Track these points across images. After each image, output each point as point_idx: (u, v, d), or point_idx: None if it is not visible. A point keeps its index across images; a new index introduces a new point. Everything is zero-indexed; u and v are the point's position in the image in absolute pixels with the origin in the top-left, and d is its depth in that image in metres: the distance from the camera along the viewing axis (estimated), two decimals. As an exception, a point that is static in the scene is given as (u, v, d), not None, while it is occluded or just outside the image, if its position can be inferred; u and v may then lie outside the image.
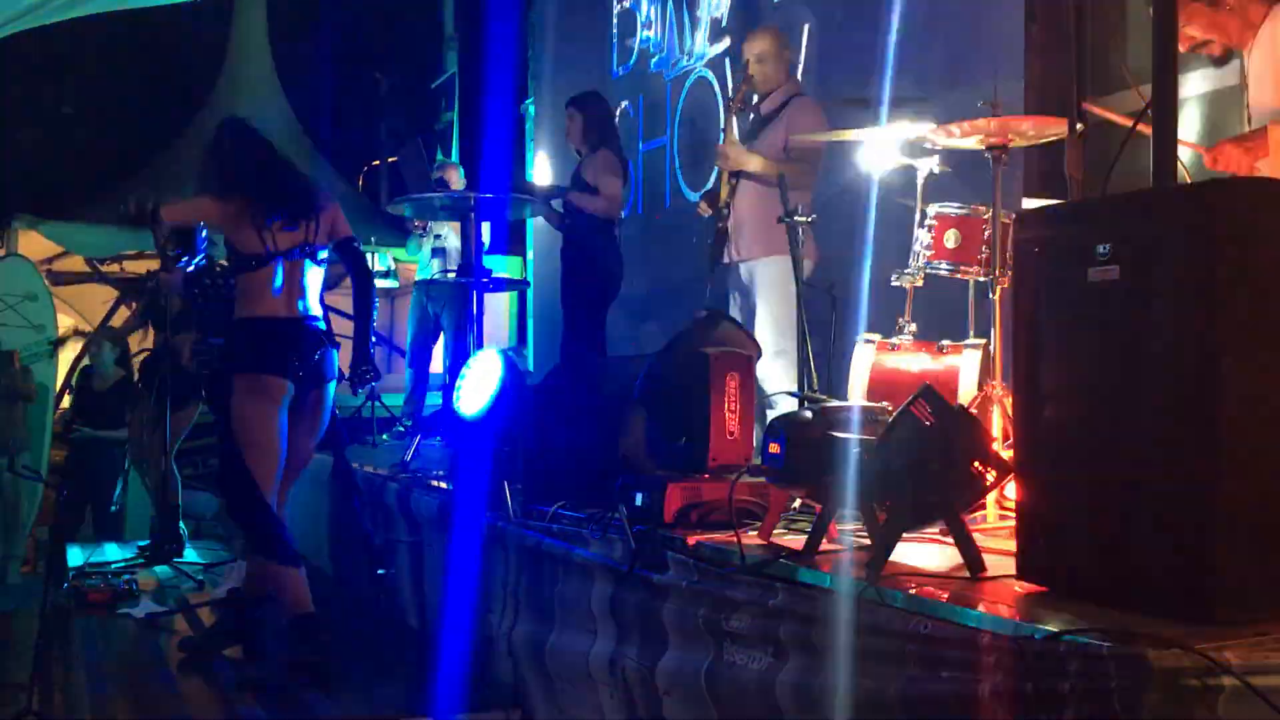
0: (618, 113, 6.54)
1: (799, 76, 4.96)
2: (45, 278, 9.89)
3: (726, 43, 5.68)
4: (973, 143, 3.42)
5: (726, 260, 4.74)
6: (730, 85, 5.69)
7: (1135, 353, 2.05)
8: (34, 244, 10.07)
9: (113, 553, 6.32)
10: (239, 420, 3.72)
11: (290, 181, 3.91)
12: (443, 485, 4.37)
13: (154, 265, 6.42)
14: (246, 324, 3.81)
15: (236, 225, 3.79)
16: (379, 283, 7.52)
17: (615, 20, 5.89)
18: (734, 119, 4.56)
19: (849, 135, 3.96)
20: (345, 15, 13.01)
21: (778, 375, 4.44)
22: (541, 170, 8.48)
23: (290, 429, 3.84)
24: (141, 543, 6.47)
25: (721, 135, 4.55)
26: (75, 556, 6.18)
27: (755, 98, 4.67)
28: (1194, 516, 1.94)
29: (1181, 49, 2.66)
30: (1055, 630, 1.93)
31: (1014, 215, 2.89)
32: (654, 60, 5.83)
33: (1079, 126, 2.75)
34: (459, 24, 10.62)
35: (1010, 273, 3.29)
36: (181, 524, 6.20)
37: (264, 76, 11.35)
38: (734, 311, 4.76)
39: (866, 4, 5.12)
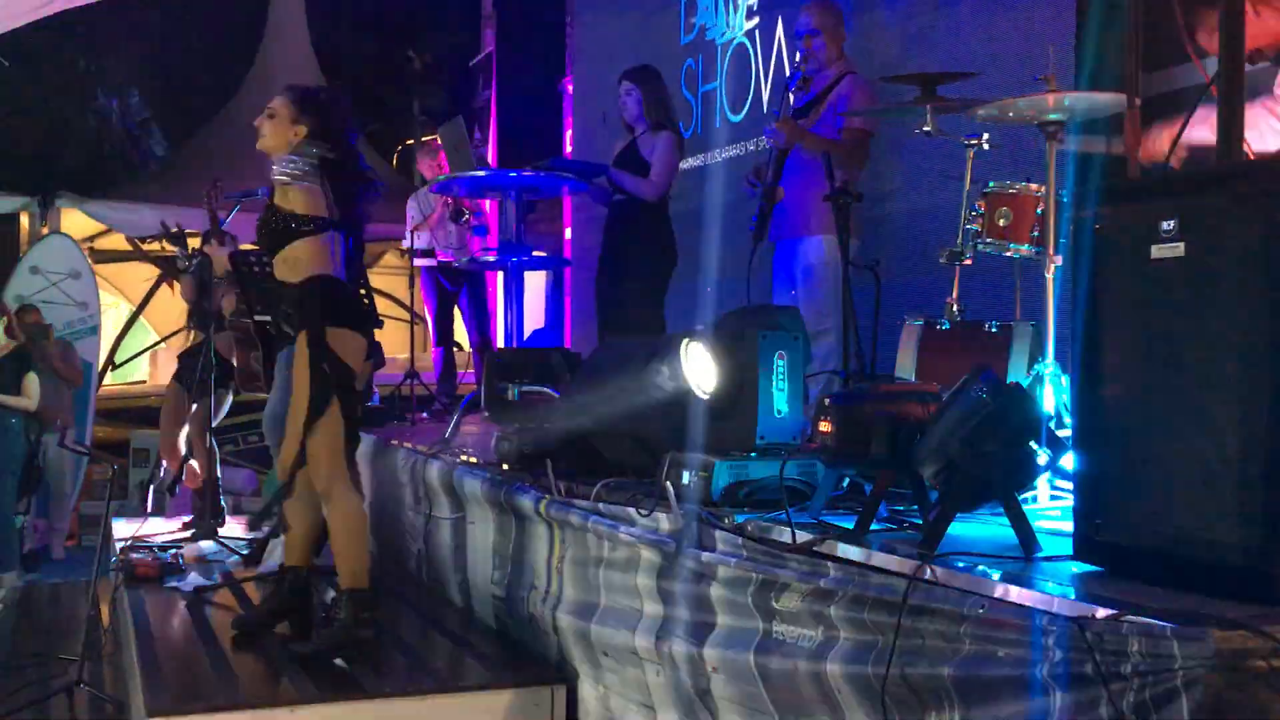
0: (683, 68, 6.82)
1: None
2: (88, 256, 10.02)
3: (757, 20, 6.25)
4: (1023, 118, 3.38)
5: (771, 238, 4.72)
6: (786, 61, 5.81)
7: (1201, 331, 2.01)
8: (77, 222, 10.19)
9: (157, 528, 6.38)
10: (339, 374, 3.65)
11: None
12: (484, 462, 4.38)
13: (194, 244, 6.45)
14: (328, 281, 3.73)
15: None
16: (419, 261, 7.57)
17: (683, 6, 7.02)
18: (790, 95, 4.52)
19: (899, 112, 3.92)
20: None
21: (821, 354, 4.41)
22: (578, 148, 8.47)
23: None
24: (185, 518, 6.55)
25: (777, 111, 4.50)
26: (120, 531, 6.25)
27: (807, 74, 4.62)
28: (1260, 496, 1.91)
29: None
30: (1117, 611, 1.90)
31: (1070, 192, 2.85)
32: (708, 32, 6.75)
33: (1137, 100, 2.70)
34: (497, 2, 10.60)
35: (1063, 251, 3.26)
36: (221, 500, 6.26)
37: (301, 54, 11.41)
38: (777, 290, 4.74)
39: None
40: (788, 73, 5.36)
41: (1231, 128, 2.12)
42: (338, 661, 3.63)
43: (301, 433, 3.62)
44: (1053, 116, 3.28)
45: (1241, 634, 1.75)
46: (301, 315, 3.69)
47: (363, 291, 4.04)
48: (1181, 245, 2.03)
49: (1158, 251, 2.07)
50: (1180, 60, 3.42)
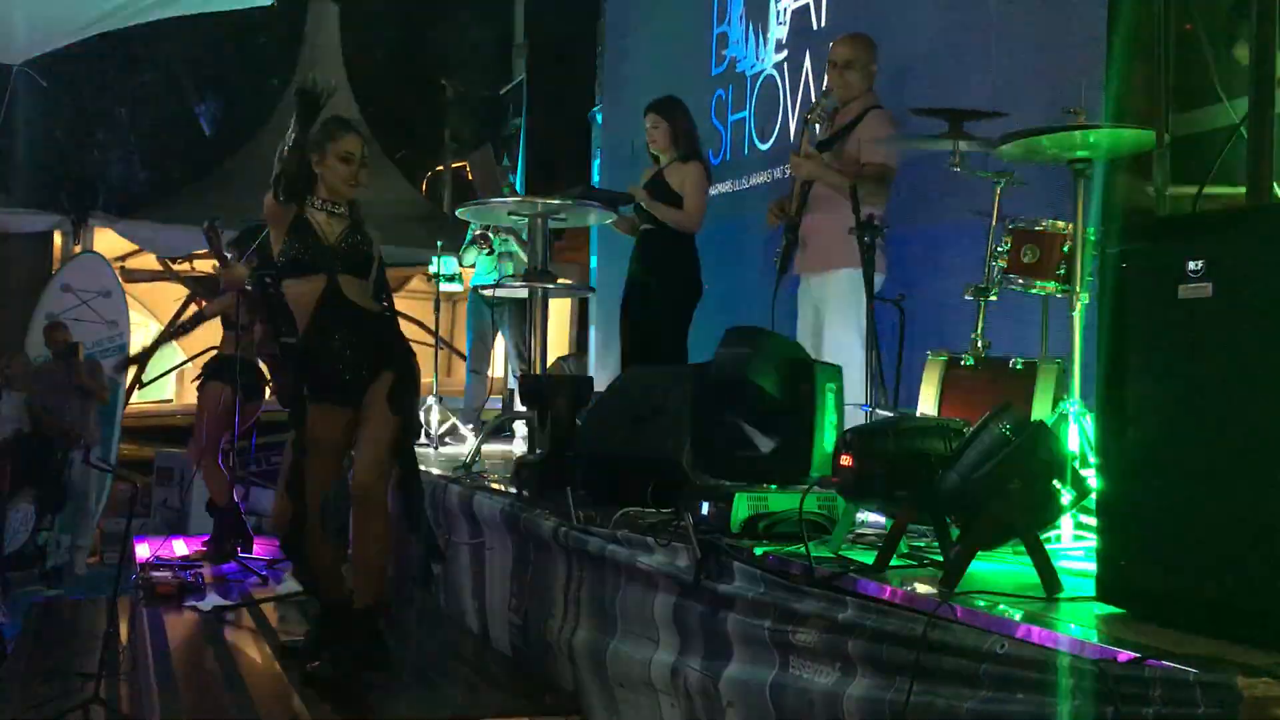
0: (714, 98, 6.97)
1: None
2: (119, 275, 10.12)
3: (785, 53, 6.34)
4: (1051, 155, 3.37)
5: (794, 271, 4.71)
6: (814, 93, 5.87)
7: (1227, 373, 1.99)
8: (109, 242, 10.31)
9: (179, 547, 6.42)
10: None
11: None
12: (504, 488, 4.38)
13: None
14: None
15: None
16: (445, 287, 7.61)
17: (714, 39, 7.16)
18: (811, 128, 4.52)
19: (925, 145, 3.92)
20: (415, 22, 13.17)
21: (849, 387, 4.38)
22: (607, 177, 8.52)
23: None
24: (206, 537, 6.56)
25: (798, 143, 4.51)
26: (142, 549, 6.28)
27: (834, 107, 4.62)
28: (1287, 542, 1.88)
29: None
30: (1139, 654, 1.88)
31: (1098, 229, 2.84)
32: (739, 64, 6.88)
33: (1166, 138, 2.69)
34: (529, 31, 10.69)
35: (1090, 289, 3.24)
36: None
37: (335, 81, 11.51)
38: (801, 323, 4.73)
39: (939, 15, 5.11)
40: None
41: (1260, 169, 2.10)
42: (353, 683, 3.62)
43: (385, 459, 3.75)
44: (1080, 154, 3.27)
45: (1266, 681, 1.72)
46: (401, 348, 3.87)
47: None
48: (1209, 286, 2.02)
49: (1185, 291, 2.05)
50: (1211, 100, 3.40)
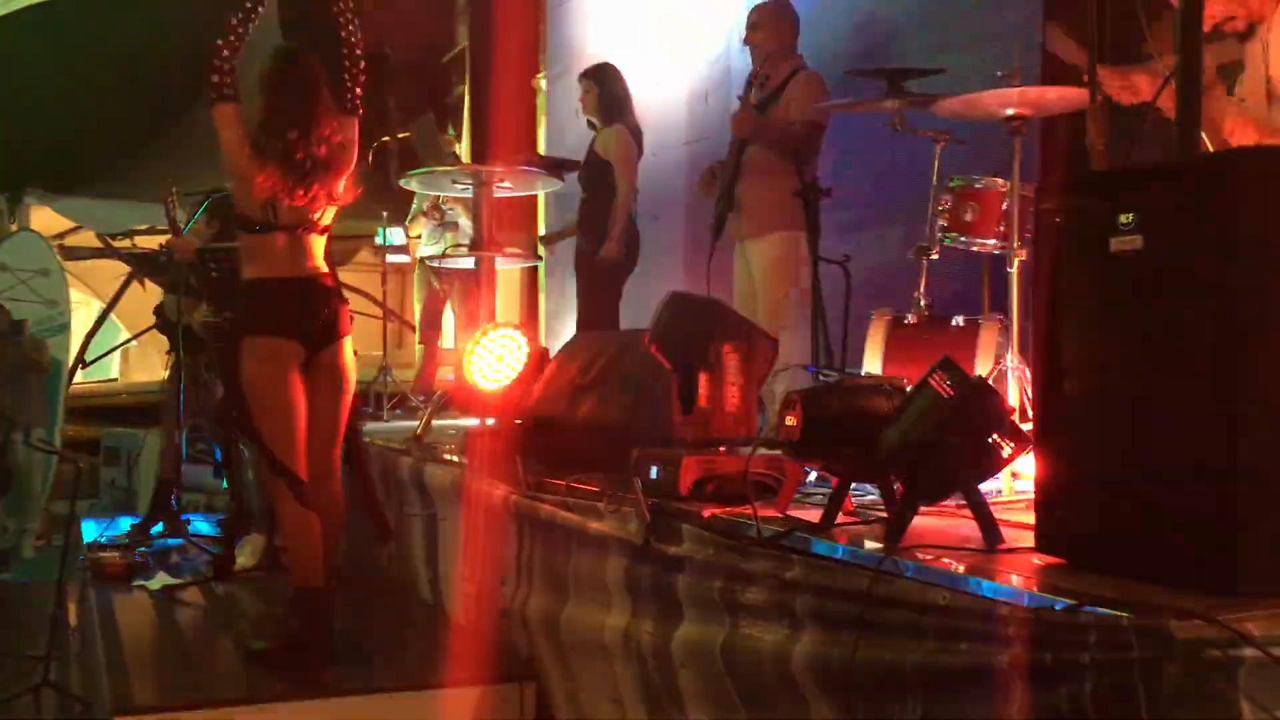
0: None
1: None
2: (57, 253, 9.91)
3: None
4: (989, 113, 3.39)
5: (729, 237, 4.73)
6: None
7: (1158, 324, 2.03)
8: (46, 219, 10.09)
9: (126, 527, 6.33)
10: (248, 386, 3.60)
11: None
12: (455, 459, 4.37)
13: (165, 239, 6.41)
14: (253, 286, 3.67)
15: (250, 185, 3.66)
16: (391, 258, 7.55)
17: None
18: (752, 90, 4.55)
19: (862, 107, 3.94)
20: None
21: (785, 350, 4.41)
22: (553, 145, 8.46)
23: (309, 393, 3.69)
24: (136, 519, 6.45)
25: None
26: (89, 530, 6.21)
27: (760, 76, 4.66)
28: (1217, 488, 1.93)
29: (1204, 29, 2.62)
30: (1075, 601, 1.92)
31: (1034, 186, 2.87)
32: None
33: (1100, 95, 2.72)
34: (470, -4, 10.56)
35: (1029, 245, 3.27)
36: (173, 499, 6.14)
37: (273, 48, 11.32)
38: (738, 288, 4.75)
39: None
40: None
41: (1188, 122, 2.13)
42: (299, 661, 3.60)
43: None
44: (1016, 111, 3.30)
45: (1198, 624, 1.76)
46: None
47: None
48: (1140, 238, 2.04)
49: (1116, 244, 2.08)
50: (1147, 55, 3.44)
